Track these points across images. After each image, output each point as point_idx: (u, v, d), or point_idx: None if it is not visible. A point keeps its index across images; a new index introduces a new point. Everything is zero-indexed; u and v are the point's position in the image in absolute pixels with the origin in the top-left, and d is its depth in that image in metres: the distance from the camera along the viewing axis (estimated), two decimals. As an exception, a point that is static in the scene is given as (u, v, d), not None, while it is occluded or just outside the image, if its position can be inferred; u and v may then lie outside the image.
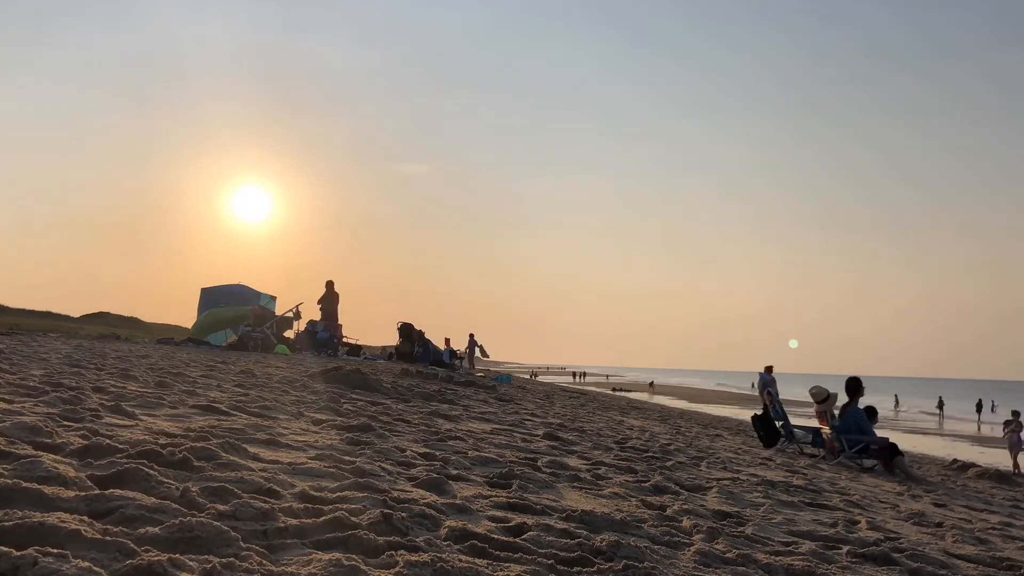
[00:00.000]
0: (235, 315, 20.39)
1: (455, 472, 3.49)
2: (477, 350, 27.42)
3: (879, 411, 10.58)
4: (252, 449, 3.26)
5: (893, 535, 3.64)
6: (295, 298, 21.38)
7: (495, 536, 2.32)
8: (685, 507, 3.46)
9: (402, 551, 1.99)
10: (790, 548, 2.94)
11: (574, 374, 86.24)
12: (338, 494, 2.60)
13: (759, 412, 11.00)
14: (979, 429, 29.86)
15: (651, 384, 65.99)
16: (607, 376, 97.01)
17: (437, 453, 3.99)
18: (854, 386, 9.24)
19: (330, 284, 19.79)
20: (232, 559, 1.71)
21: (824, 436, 9.49)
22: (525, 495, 3.14)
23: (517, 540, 2.32)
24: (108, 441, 2.79)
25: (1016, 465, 15.15)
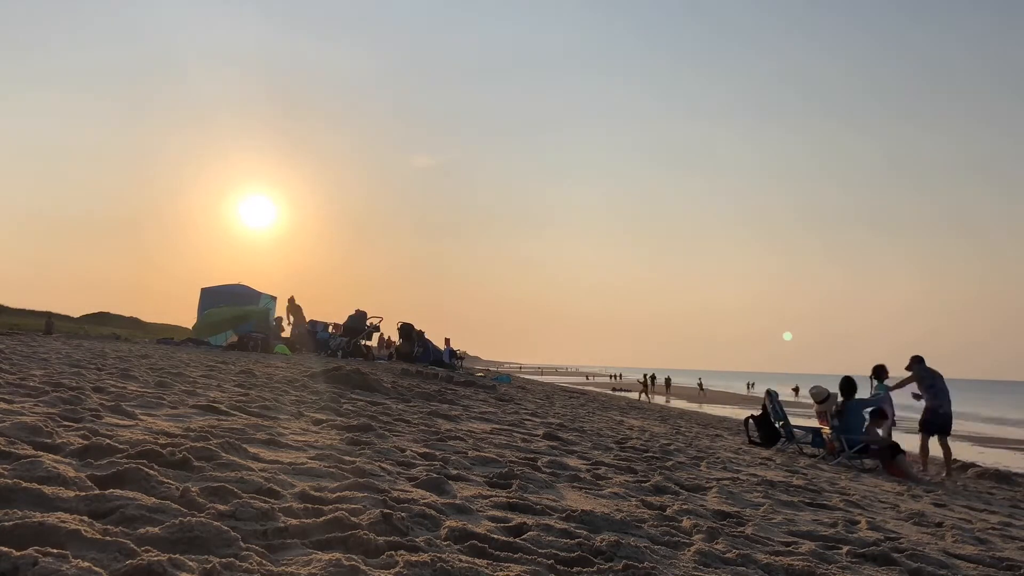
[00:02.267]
0: (236, 315, 20.43)
1: (455, 472, 3.49)
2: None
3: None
4: (252, 449, 3.26)
5: (893, 535, 3.64)
6: (294, 298, 21.48)
7: (495, 536, 2.32)
8: (685, 507, 3.46)
9: (402, 551, 1.99)
10: (790, 548, 2.94)
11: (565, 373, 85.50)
12: (338, 494, 2.60)
13: (756, 413, 11.01)
14: None
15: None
16: (611, 376, 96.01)
17: (437, 453, 3.99)
18: (849, 386, 9.37)
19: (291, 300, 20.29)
20: (232, 559, 1.71)
21: (824, 436, 9.52)
22: (525, 495, 3.14)
23: (517, 540, 2.32)
24: (108, 441, 2.79)
25: None
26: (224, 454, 2.90)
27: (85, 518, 1.81)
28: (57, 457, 2.48)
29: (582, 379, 72.28)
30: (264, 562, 1.75)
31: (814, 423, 10.15)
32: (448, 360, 20.66)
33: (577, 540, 2.41)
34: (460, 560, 1.97)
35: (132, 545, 1.67)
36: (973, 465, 12.03)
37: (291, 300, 21.27)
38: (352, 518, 2.20)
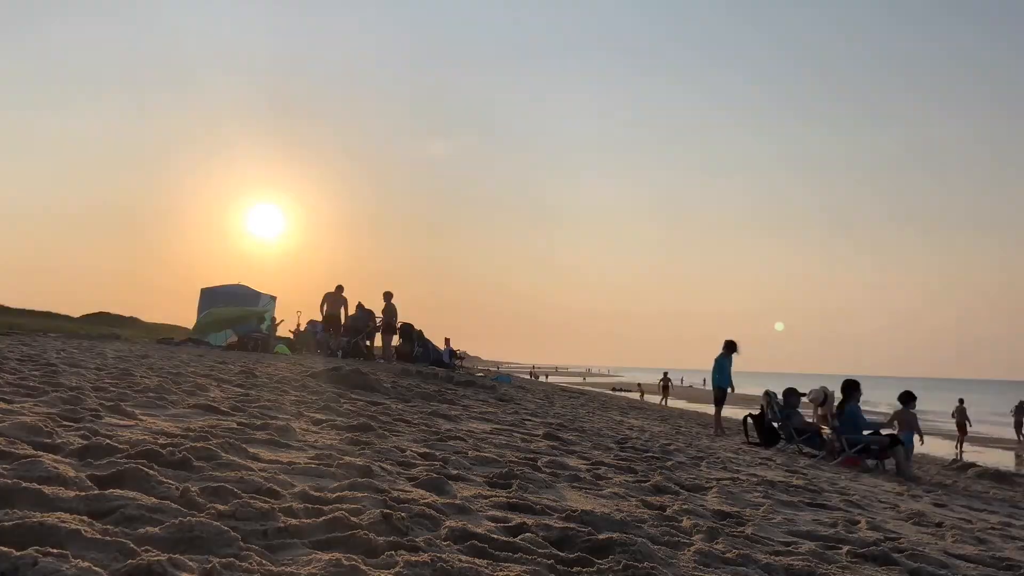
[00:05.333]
0: (235, 315, 20.43)
1: (455, 472, 3.49)
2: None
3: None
4: (252, 449, 3.26)
5: (893, 535, 3.64)
6: (295, 299, 21.44)
7: (495, 536, 2.32)
8: (685, 507, 3.46)
9: (402, 551, 1.99)
10: (790, 548, 2.94)
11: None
12: (338, 494, 2.60)
13: (754, 413, 11.03)
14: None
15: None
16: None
17: (437, 453, 3.99)
18: (850, 387, 9.38)
19: (340, 288, 19.41)
20: (232, 559, 1.71)
21: (825, 437, 9.54)
22: (525, 495, 3.14)
23: (517, 540, 2.32)
24: (108, 441, 2.79)
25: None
26: (224, 454, 2.90)
27: (85, 518, 1.81)
28: (57, 457, 2.48)
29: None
30: (264, 562, 1.75)
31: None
32: (448, 360, 20.66)
33: (577, 540, 2.41)
34: (460, 560, 1.97)
35: (132, 545, 1.67)
36: (973, 465, 12.04)
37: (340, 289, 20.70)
38: (352, 518, 2.20)
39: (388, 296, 19.16)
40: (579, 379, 73.67)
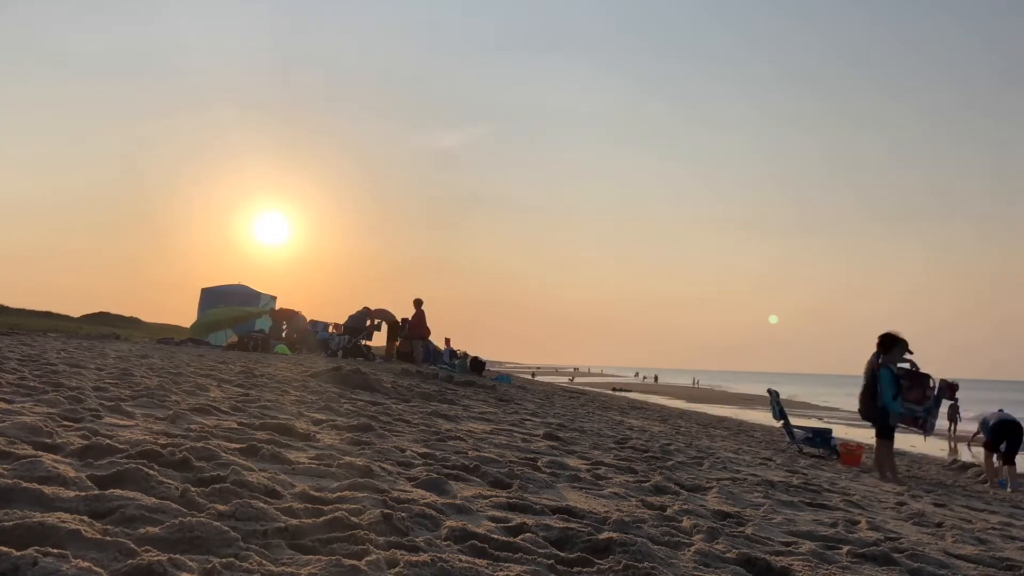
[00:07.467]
0: (236, 315, 20.46)
1: (455, 472, 3.49)
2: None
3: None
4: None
5: (893, 535, 3.64)
6: (295, 298, 21.41)
7: (495, 536, 2.32)
8: (685, 507, 3.46)
9: (402, 551, 1.99)
10: (790, 548, 2.94)
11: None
12: (338, 494, 2.60)
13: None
14: None
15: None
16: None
17: (437, 453, 3.99)
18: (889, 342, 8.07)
19: (417, 302, 19.32)
20: (232, 559, 1.71)
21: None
22: (525, 495, 3.14)
23: (517, 540, 2.32)
24: (108, 441, 2.79)
25: None
26: (224, 454, 2.90)
27: (85, 518, 1.81)
28: (57, 457, 2.48)
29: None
30: (264, 562, 1.75)
31: (815, 423, 10.18)
32: (448, 360, 20.65)
33: (577, 540, 2.41)
34: (460, 560, 1.97)
35: (132, 545, 1.67)
36: (973, 465, 12.04)
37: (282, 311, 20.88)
38: (352, 518, 2.20)
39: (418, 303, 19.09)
40: (575, 378, 73.41)
